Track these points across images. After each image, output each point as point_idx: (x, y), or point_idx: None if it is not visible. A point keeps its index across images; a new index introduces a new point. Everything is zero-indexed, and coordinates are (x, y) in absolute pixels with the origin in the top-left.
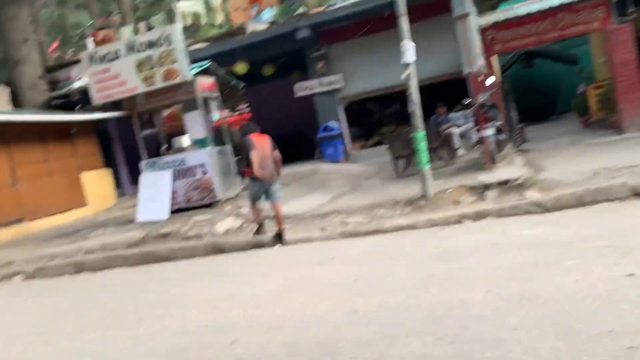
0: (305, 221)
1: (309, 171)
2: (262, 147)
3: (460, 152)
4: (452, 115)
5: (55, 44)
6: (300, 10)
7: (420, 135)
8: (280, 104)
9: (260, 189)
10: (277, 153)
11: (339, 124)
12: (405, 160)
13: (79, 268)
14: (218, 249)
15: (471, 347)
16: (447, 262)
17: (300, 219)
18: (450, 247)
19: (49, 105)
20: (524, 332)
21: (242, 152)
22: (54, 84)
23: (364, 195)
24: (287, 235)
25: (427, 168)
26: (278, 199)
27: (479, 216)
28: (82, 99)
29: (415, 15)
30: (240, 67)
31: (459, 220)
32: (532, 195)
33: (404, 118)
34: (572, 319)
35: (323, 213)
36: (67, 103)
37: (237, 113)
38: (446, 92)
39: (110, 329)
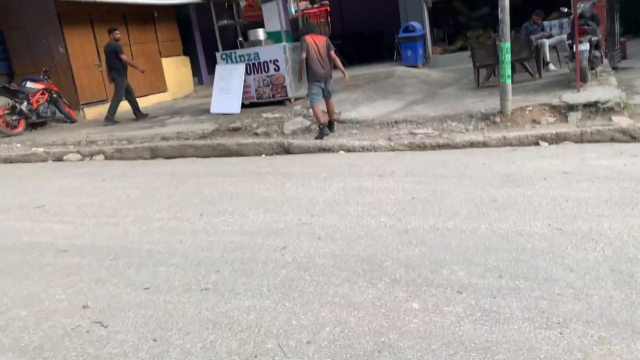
0: (373, 128)
1: (385, 74)
2: (317, 47)
3: (551, 66)
4: (546, 23)
5: None
6: None
7: (505, 46)
8: (363, 1)
9: (319, 89)
10: (334, 53)
11: (421, 25)
12: (488, 70)
13: (153, 153)
14: (284, 149)
15: (519, 284)
16: (512, 187)
17: (368, 125)
18: (519, 170)
19: None
20: (579, 274)
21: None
22: None
23: (438, 104)
24: (353, 142)
25: (508, 82)
26: (331, 93)
27: (557, 139)
28: None
29: None
30: None
31: (535, 141)
32: (620, 120)
33: (493, 22)
34: (636, 267)
35: (392, 121)
36: None
37: (316, 6)
38: None
39: (173, 219)
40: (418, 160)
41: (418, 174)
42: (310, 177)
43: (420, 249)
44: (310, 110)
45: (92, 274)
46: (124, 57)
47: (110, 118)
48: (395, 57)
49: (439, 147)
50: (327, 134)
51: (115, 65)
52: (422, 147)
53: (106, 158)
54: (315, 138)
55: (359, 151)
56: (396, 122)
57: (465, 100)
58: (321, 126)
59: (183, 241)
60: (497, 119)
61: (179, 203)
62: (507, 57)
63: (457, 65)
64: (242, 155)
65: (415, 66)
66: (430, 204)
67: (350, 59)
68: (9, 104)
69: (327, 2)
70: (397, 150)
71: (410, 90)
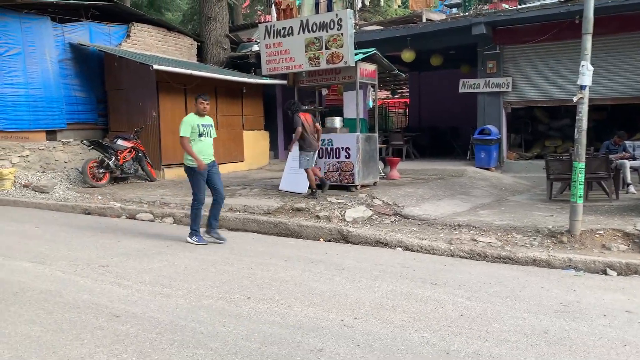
0: (435, 228)
1: (455, 172)
2: (308, 123)
3: (632, 188)
4: (629, 143)
5: (247, 2)
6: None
7: (579, 166)
8: (441, 95)
9: (312, 157)
10: (318, 125)
11: (498, 129)
12: (562, 184)
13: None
14: (343, 236)
15: None
16: (568, 319)
17: (430, 224)
18: (579, 300)
19: (228, 64)
20: None
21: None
22: (235, 44)
23: (506, 212)
24: (412, 239)
25: (579, 202)
26: (315, 164)
27: (627, 270)
28: (256, 63)
29: (609, 27)
30: (408, 55)
31: (602, 269)
32: None
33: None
34: None
35: (455, 223)
36: (244, 64)
37: (397, 96)
38: (632, 115)
39: (222, 299)
40: (475, 271)
41: (472, 288)
42: (362, 273)
43: None
44: (375, 200)
45: (137, 345)
46: None
47: None
48: (468, 156)
49: (500, 259)
50: (320, 196)
51: None
52: (483, 256)
53: (175, 221)
54: (307, 197)
55: (417, 250)
56: (459, 225)
57: (534, 212)
58: (314, 190)
59: (226, 325)
60: (564, 239)
61: (230, 282)
62: (581, 178)
63: (531, 173)
64: (301, 236)
65: (487, 168)
66: (478, 325)
67: (423, 152)
68: (98, 158)
69: (407, 93)
70: (456, 255)
71: (479, 193)
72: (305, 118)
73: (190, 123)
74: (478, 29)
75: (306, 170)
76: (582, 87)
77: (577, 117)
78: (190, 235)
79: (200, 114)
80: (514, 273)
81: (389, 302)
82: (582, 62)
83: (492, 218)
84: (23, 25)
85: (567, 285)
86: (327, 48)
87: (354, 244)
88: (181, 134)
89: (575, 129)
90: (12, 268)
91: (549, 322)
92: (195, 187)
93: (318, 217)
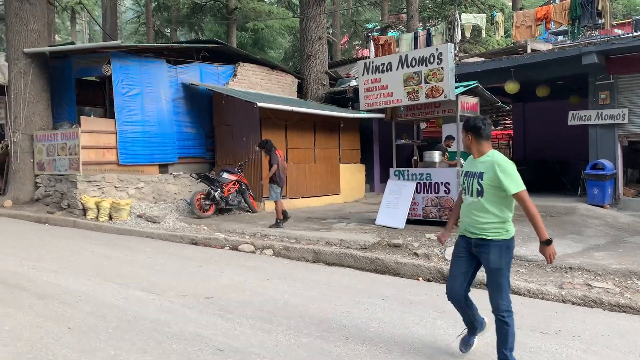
0: (544, 270)
1: (565, 209)
2: (281, 160)
3: None
4: None
5: (345, 38)
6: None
7: None
8: (548, 127)
9: (280, 191)
10: (286, 163)
11: (612, 164)
12: None
13: (316, 256)
14: (443, 276)
15: None
16: None
17: (539, 265)
18: None
19: (326, 99)
20: None
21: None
22: (334, 80)
23: (624, 255)
24: (519, 282)
25: None
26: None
27: None
28: (353, 97)
29: None
30: (512, 86)
31: None
32: None
33: None
34: None
35: (566, 266)
36: (342, 98)
37: (499, 128)
38: None
39: (320, 338)
40: (590, 320)
41: (588, 339)
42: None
43: None
44: None
45: None
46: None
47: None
48: (579, 192)
49: (619, 307)
50: (282, 227)
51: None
52: (598, 304)
53: (274, 253)
54: (270, 226)
55: (524, 294)
56: (570, 267)
57: None
58: (279, 220)
59: None
60: None
61: (328, 320)
62: None
63: None
64: (398, 274)
65: (601, 206)
66: None
67: (529, 187)
68: (205, 190)
69: (511, 125)
70: (568, 301)
71: (592, 232)
72: (279, 155)
73: None
74: (589, 58)
75: (276, 202)
76: None
77: None
78: None
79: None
80: (636, 325)
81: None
82: None
83: (609, 261)
84: (142, 67)
85: None
86: (426, 82)
87: None
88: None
89: None
90: (127, 296)
91: None
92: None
93: (416, 254)
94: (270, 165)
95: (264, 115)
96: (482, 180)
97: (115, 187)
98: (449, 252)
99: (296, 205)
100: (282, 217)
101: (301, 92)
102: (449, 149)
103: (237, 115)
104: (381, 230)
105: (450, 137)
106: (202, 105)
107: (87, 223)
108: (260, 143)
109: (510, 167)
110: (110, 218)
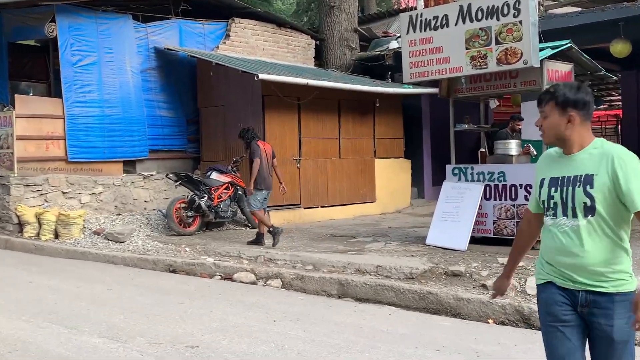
0: None
1: None
2: (266, 155)
3: None
4: None
5: None
6: None
7: None
8: None
9: (264, 197)
10: (275, 161)
11: None
12: None
13: (342, 289)
14: (523, 318)
15: None
16: None
17: None
18: None
19: (356, 67)
20: None
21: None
22: (366, 41)
23: None
24: None
25: None
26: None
27: None
28: (394, 66)
29: None
30: (620, 47)
31: None
32: None
33: None
34: None
35: None
36: (377, 67)
37: (602, 107)
38: None
39: None
40: None
41: None
42: None
43: None
44: None
45: None
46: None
47: None
48: None
49: None
50: (264, 244)
51: None
52: None
53: (284, 285)
54: (249, 242)
55: None
56: None
57: None
58: (261, 234)
59: None
60: None
61: None
62: None
63: None
64: (459, 314)
65: None
66: None
67: None
68: (186, 197)
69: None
70: None
71: None
72: (264, 148)
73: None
74: None
75: (253, 212)
76: None
77: None
78: None
79: None
80: None
81: None
82: None
83: None
84: (99, 27)
85: None
86: (498, 43)
87: (539, 329)
88: None
89: None
90: (79, 345)
91: None
92: None
93: (484, 286)
94: (251, 162)
95: (268, 91)
96: (591, 187)
97: (64, 192)
98: (532, 282)
99: (314, 217)
100: (272, 231)
101: (320, 58)
102: (525, 139)
103: (230, 91)
104: (434, 253)
105: (517, 117)
106: (182, 79)
107: (25, 243)
108: (240, 132)
109: (637, 164)
110: (57, 236)
